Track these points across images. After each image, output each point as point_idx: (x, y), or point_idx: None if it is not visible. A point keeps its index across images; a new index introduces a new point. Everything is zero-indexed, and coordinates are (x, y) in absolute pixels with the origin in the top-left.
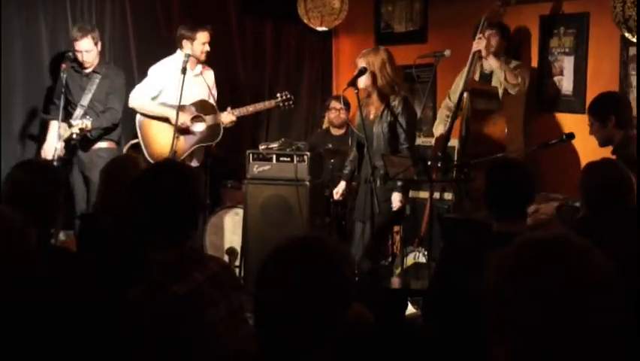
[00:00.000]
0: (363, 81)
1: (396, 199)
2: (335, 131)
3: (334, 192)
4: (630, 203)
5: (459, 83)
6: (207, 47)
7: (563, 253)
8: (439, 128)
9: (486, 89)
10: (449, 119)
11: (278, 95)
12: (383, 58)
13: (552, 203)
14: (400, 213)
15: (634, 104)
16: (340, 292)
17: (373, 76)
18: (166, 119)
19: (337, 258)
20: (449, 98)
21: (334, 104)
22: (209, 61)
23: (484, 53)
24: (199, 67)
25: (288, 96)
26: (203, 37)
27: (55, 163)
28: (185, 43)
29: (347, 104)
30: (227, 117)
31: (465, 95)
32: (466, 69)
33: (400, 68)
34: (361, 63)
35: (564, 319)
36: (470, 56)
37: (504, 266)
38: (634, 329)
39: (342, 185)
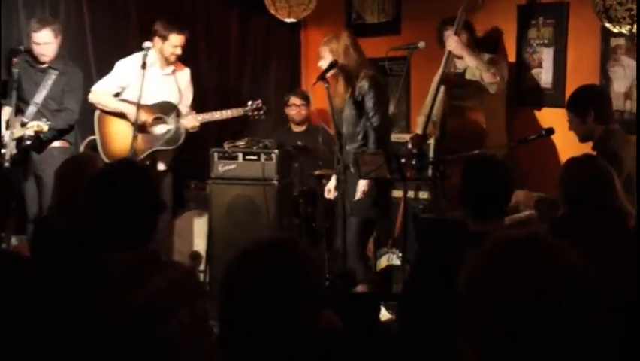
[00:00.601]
0: (331, 71)
1: (359, 188)
2: (296, 128)
3: (326, 189)
4: (612, 201)
5: (436, 78)
6: (178, 51)
7: (537, 253)
8: (420, 120)
9: (463, 82)
10: (426, 115)
11: (248, 103)
12: (346, 43)
13: (532, 196)
14: (380, 210)
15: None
16: (310, 297)
17: (339, 64)
18: (123, 115)
19: (306, 261)
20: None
21: (294, 100)
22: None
23: (457, 53)
24: (171, 67)
25: (259, 105)
26: (176, 40)
27: (6, 165)
28: (157, 40)
29: (307, 99)
30: (191, 122)
31: (441, 89)
32: (442, 66)
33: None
34: (324, 52)
35: (537, 319)
36: (445, 55)
37: (477, 265)
38: (618, 330)
39: (333, 180)
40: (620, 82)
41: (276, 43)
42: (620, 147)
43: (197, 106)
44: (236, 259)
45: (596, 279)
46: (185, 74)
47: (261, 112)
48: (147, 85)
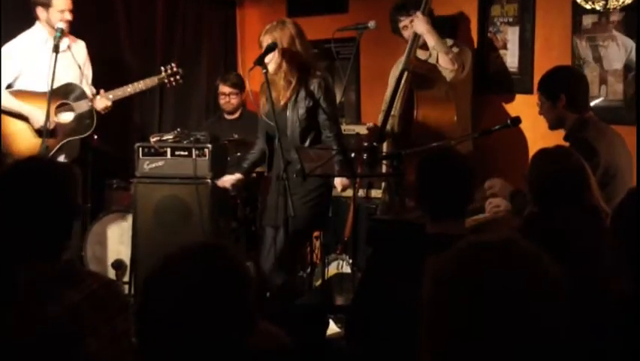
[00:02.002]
0: (273, 60)
1: (338, 181)
2: (229, 116)
3: (222, 180)
4: (585, 197)
5: (396, 69)
6: (68, 15)
7: (507, 259)
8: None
9: (432, 68)
10: (387, 105)
11: (162, 69)
12: (291, 32)
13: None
14: (322, 214)
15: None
16: (239, 310)
17: (282, 55)
18: (25, 119)
19: (236, 269)
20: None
21: (222, 88)
22: (82, 31)
23: (419, 30)
24: (65, 40)
25: (175, 70)
26: (60, 3)
27: None
28: (40, 11)
29: (238, 86)
30: (101, 102)
31: (405, 75)
32: (406, 50)
33: (311, 44)
34: (266, 42)
35: (504, 327)
36: (410, 39)
37: (444, 270)
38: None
39: (234, 176)
40: (594, 64)
41: (208, 21)
42: (595, 137)
43: (115, 87)
44: (155, 269)
45: (570, 285)
46: (81, 47)
47: (178, 77)
48: (41, 68)
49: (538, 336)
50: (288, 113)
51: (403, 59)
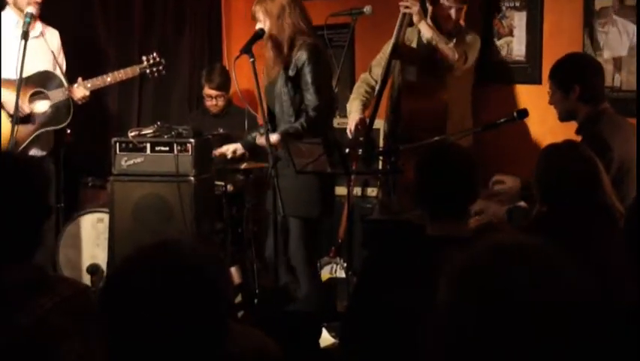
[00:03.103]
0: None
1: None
2: (214, 111)
3: (219, 149)
4: (597, 196)
5: (386, 51)
6: None
7: (540, 267)
8: (353, 105)
9: (422, 56)
10: (376, 95)
11: (143, 58)
12: (282, 3)
13: (501, 201)
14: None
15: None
16: (207, 314)
17: (271, 26)
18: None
19: (203, 271)
20: (370, 71)
21: (207, 90)
22: (56, 17)
23: (415, 19)
24: (38, 26)
25: (157, 60)
26: None
27: None
28: None
29: (224, 87)
30: (78, 92)
31: (394, 64)
32: (394, 34)
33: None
34: (258, 12)
35: (525, 342)
36: (399, 19)
37: (467, 274)
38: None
39: (234, 145)
40: (608, 52)
41: (191, 7)
42: (609, 132)
43: (93, 76)
44: (116, 271)
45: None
46: (55, 35)
47: (161, 67)
48: (14, 54)
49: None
50: (276, 87)
51: (394, 35)
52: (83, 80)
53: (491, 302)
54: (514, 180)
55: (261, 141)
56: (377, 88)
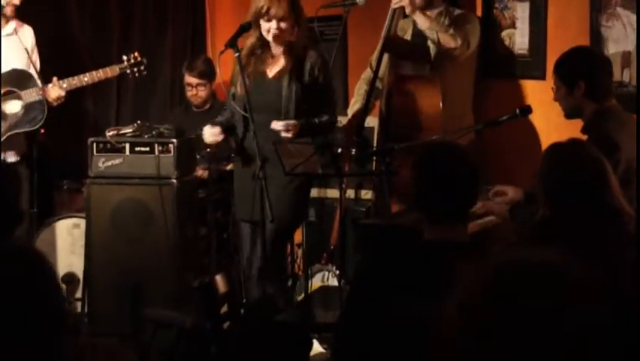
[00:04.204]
0: (273, 28)
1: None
2: (197, 108)
3: (206, 133)
4: (605, 198)
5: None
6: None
7: (563, 287)
8: (355, 108)
9: (413, 48)
10: (367, 91)
11: (124, 58)
12: (300, 4)
13: (503, 200)
14: (304, 202)
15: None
16: (29, 331)
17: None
18: None
19: (21, 282)
20: (371, 66)
21: (188, 78)
22: (29, 14)
23: (408, 10)
24: (11, 24)
25: (139, 59)
26: None
27: None
28: None
29: (207, 75)
30: (53, 92)
31: (385, 58)
32: (384, 28)
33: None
34: (279, 8)
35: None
36: (389, 13)
37: (483, 290)
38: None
39: (215, 129)
40: (617, 45)
41: (173, 0)
42: (617, 130)
43: (70, 75)
44: None
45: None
46: (29, 32)
47: (142, 67)
48: None
49: None
50: (284, 89)
51: (385, 28)
52: (59, 79)
53: (505, 325)
54: (516, 191)
55: (276, 125)
56: (368, 87)
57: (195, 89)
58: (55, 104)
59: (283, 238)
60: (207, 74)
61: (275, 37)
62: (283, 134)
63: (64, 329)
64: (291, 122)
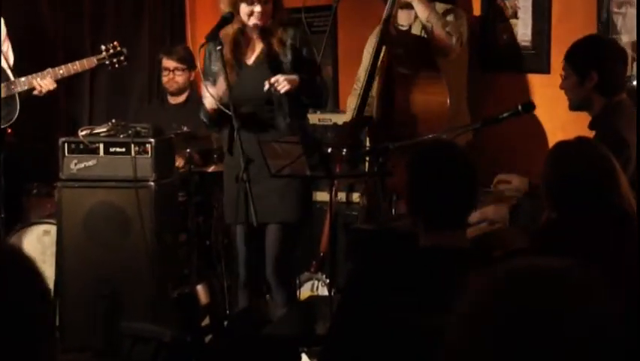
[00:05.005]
0: (258, 12)
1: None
2: (173, 100)
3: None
4: (613, 201)
5: (372, 40)
6: None
7: (576, 300)
8: (352, 105)
9: (418, 41)
10: (362, 88)
11: (103, 48)
12: None
13: (503, 204)
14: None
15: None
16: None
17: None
18: None
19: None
20: (359, 79)
21: (166, 62)
22: None
23: None
24: None
25: (118, 49)
26: None
27: None
28: None
29: (186, 61)
30: (26, 84)
31: (383, 50)
32: (383, 18)
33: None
34: None
35: None
36: (389, 3)
37: (491, 302)
38: None
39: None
40: (630, 34)
41: None
42: (626, 126)
43: (38, 70)
44: None
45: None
46: None
47: (122, 57)
48: None
49: None
50: (269, 73)
51: (383, 18)
52: (30, 73)
53: (519, 335)
54: (521, 180)
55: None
56: (363, 79)
57: (172, 73)
58: (24, 97)
59: (290, 239)
60: (187, 59)
61: (257, 20)
62: (281, 88)
63: (51, 336)
64: (292, 76)
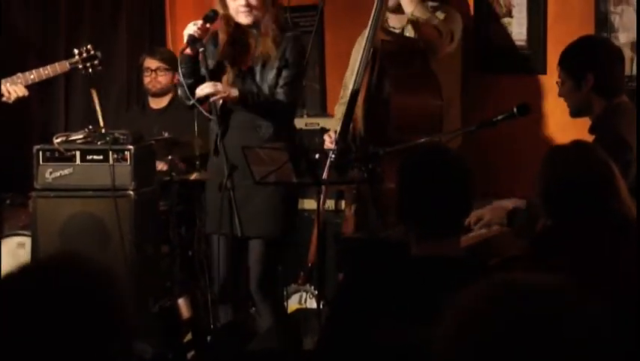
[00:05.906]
0: (248, 12)
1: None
2: (155, 103)
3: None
4: (612, 206)
5: (361, 43)
6: None
7: (570, 318)
8: (340, 111)
9: (408, 40)
10: (351, 93)
11: (76, 51)
12: None
13: (502, 207)
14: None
15: None
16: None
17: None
18: None
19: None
20: (345, 86)
21: (148, 62)
22: None
23: None
24: None
25: (92, 53)
26: None
27: None
28: None
29: (168, 61)
30: (19, 90)
31: (377, 55)
32: (371, 21)
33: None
34: None
35: None
36: (376, 3)
37: (479, 317)
38: None
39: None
40: (628, 33)
41: None
42: (627, 129)
43: (12, 74)
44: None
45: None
46: None
47: (96, 62)
48: None
49: None
50: (257, 76)
51: (367, 31)
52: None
53: (506, 351)
54: (492, 211)
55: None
56: (353, 82)
57: (154, 73)
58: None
59: (273, 253)
60: (169, 60)
61: (244, 14)
62: (213, 98)
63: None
64: (233, 90)
